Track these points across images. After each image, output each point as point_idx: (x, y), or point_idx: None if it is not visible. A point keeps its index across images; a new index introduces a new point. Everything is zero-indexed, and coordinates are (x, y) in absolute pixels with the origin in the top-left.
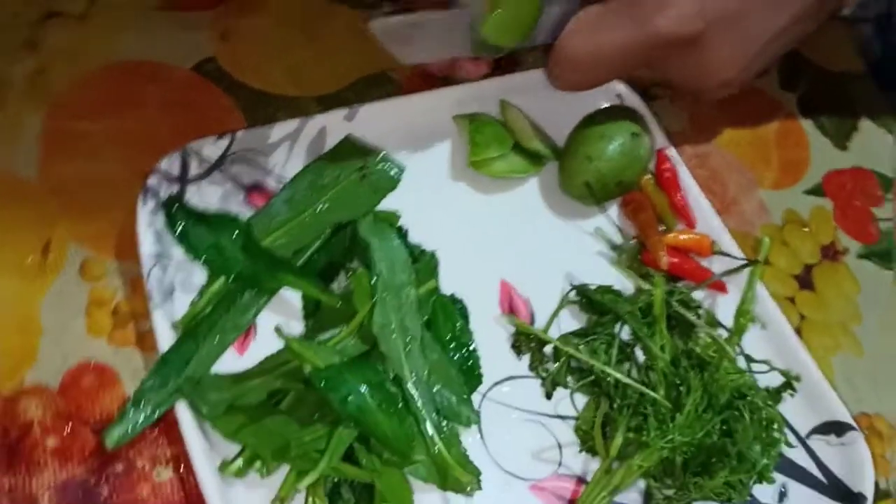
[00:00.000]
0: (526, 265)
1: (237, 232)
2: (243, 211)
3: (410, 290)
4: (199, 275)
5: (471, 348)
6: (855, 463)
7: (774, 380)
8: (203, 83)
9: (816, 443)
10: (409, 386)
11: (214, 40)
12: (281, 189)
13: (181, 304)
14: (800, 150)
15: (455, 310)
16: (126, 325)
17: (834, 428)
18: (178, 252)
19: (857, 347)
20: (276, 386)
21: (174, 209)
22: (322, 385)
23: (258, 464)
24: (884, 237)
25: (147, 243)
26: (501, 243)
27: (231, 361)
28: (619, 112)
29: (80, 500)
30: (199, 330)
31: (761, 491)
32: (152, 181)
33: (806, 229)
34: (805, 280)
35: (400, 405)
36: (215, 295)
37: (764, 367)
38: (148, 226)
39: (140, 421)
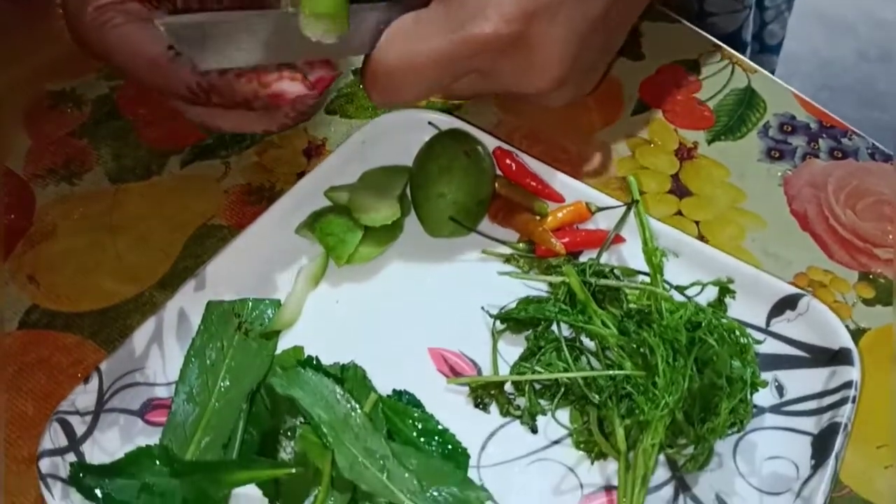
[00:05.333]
0: (440, 321)
1: (156, 461)
2: (150, 437)
3: (356, 415)
4: None
5: (440, 430)
6: (821, 323)
7: (711, 294)
8: (38, 336)
9: (779, 325)
10: None
11: (25, 287)
12: (175, 392)
13: None
14: (606, 79)
15: (405, 404)
16: None
17: (786, 304)
18: None
19: (757, 220)
20: None
21: (82, 480)
22: None
23: None
24: (718, 113)
25: None
26: (406, 316)
27: None
28: (442, 139)
29: None
30: None
31: (761, 397)
32: (45, 465)
33: (652, 145)
34: (680, 189)
35: None
36: None
37: (696, 289)
38: None
39: None
